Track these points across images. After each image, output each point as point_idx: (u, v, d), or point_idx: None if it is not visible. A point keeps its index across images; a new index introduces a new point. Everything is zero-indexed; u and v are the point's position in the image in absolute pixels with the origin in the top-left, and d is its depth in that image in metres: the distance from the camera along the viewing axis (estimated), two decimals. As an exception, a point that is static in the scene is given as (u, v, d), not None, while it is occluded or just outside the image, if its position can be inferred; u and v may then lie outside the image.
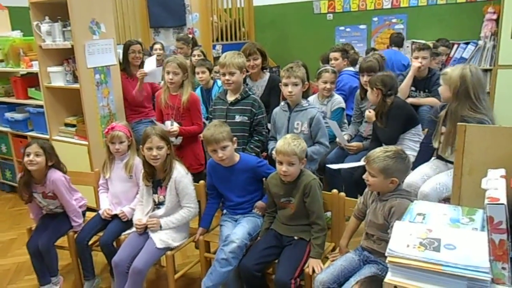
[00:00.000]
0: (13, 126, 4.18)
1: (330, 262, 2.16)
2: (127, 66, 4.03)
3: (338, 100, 3.39)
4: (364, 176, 2.01)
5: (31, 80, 4.00)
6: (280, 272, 2.11)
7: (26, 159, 2.55)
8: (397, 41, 4.98)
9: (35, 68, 3.81)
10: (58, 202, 2.69)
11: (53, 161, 2.65)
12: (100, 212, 2.70)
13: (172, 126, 2.98)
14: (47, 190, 2.63)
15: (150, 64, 3.18)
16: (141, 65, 4.02)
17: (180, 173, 2.48)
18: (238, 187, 2.47)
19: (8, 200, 4.32)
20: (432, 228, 1.53)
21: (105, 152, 2.77)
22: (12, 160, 4.33)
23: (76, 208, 2.71)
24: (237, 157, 2.48)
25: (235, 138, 2.45)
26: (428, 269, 1.36)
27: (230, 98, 2.86)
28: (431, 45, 4.18)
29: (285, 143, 2.19)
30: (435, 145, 2.53)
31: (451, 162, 2.44)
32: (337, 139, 3.19)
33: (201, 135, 3.32)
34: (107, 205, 2.70)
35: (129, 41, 4.18)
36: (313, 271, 2.09)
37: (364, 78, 3.22)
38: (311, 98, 3.45)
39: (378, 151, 1.97)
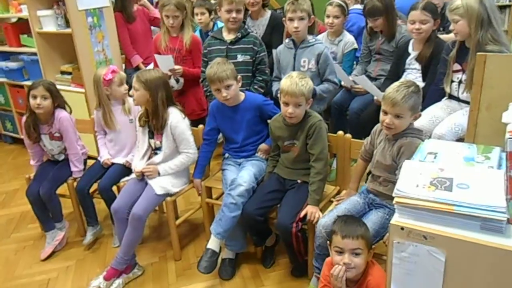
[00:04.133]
0: (8, 76, 4.06)
1: (334, 205, 2.08)
2: (124, 5, 3.69)
3: (351, 41, 3.15)
4: (387, 122, 1.78)
5: (23, 26, 3.82)
6: (282, 216, 2.04)
7: (32, 102, 2.47)
8: None
9: (24, 12, 3.62)
10: (63, 144, 2.63)
11: (59, 102, 2.58)
12: (100, 160, 2.64)
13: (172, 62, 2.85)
14: (54, 130, 2.58)
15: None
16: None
17: (175, 118, 2.36)
18: (244, 128, 2.36)
19: (10, 151, 4.28)
20: (444, 167, 1.42)
21: (97, 99, 2.60)
22: (11, 111, 4.24)
23: (79, 152, 2.65)
24: (242, 96, 2.36)
25: (239, 77, 2.31)
26: (438, 210, 1.26)
27: (229, 37, 2.68)
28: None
29: (292, 83, 2.02)
30: (446, 87, 2.35)
31: (466, 102, 2.29)
32: (343, 82, 3.01)
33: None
34: (106, 154, 2.64)
35: None
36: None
37: (370, 24, 2.99)
38: (320, 37, 3.23)
39: (400, 90, 1.75)
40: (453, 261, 1.26)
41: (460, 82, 2.28)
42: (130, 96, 2.48)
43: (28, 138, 2.60)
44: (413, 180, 1.37)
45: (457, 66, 2.27)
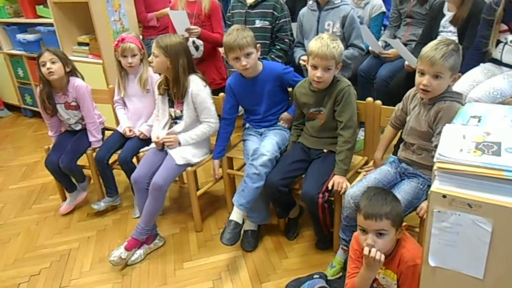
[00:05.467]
0: (26, 49, 4.03)
1: (362, 175, 1.97)
2: None
3: (379, 4, 2.97)
4: (424, 84, 1.63)
5: (38, -4, 3.75)
6: (307, 186, 1.95)
7: (43, 69, 2.42)
8: None
9: (39, -19, 3.55)
10: (79, 114, 2.59)
11: (70, 68, 2.52)
12: (120, 130, 2.59)
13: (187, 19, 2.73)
14: (70, 99, 2.54)
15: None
16: None
17: (197, 86, 2.26)
18: (265, 99, 2.25)
19: (30, 124, 4.30)
20: (491, 131, 1.30)
21: (116, 69, 2.57)
22: (30, 84, 4.23)
23: (96, 121, 2.62)
24: (260, 66, 2.22)
25: (259, 45, 2.17)
26: (486, 176, 1.15)
27: (250, 0, 2.53)
28: None
29: (323, 45, 1.88)
30: (492, 48, 2.16)
31: (508, 66, 2.12)
32: (370, 47, 2.84)
33: (221, 49, 3.08)
34: (127, 123, 2.58)
35: None
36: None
37: None
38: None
39: (439, 48, 1.59)
40: (500, 232, 1.16)
41: (505, 43, 2.09)
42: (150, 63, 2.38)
43: (45, 111, 2.57)
44: (456, 145, 1.26)
45: (503, 26, 2.08)
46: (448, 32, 2.49)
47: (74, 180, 2.67)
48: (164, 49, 2.18)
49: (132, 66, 2.47)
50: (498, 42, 2.12)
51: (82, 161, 2.64)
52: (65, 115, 2.59)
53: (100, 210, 2.62)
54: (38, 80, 2.55)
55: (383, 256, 1.43)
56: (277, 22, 2.53)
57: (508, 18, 2.05)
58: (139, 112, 2.57)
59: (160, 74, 2.35)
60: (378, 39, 2.95)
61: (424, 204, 1.69)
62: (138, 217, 2.32)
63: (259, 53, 2.18)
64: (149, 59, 2.30)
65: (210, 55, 2.94)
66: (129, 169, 2.42)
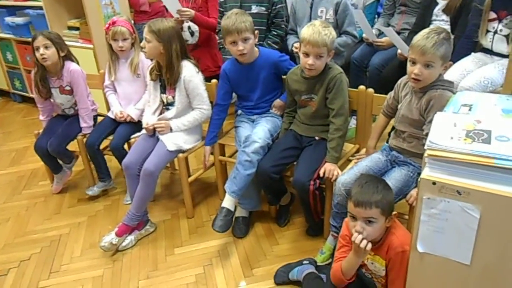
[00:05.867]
0: (15, 32, 3.96)
1: (354, 163, 1.98)
2: None
3: None
4: (415, 73, 1.63)
5: (27, -22, 3.67)
6: (299, 173, 1.95)
7: (37, 54, 2.39)
8: None
9: (28, -37, 3.46)
10: (73, 99, 2.56)
11: (65, 51, 2.48)
12: (112, 115, 2.56)
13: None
14: (64, 83, 2.50)
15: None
16: None
17: (189, 71, 2.24)
18: (259, 86, 2.23)
19: (20, 110, 4.24)
20: (481, 119, 1.31)
21: (107, 53, 2.54)
22: (19, 69, 4.16)
23: (89, 107, 2.59)
24: (256, 52, 2.20)
25: (257, 31, 2.15)
26: (477, 163, 1.16)
27: (245, -15, 2.51)
28: None
29: (315, 32, 1.87)
30: (482, 38, 2.17)
31: (499, 54, 2.13)
32: (364, 34, 2.83)
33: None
34: (119, 107, 2.56)
35: None
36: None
37: None
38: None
39: (430, 36, 1.60)
40: (488, 218, 1.17)
41: (495, 32, 2.10)
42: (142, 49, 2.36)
43: (39, 94, 2.53)
44: (447, 132, 1.26)
45: (492, 15, 2.08)
46: (440, 21, 2.49)
47: (61, 162, 2.66)
48: (156, 34, 2.14)
49: (123, 50, 2.44)
50: (487, 31, 2.13)
51: (73, 146, 2.62)
52: (59, 99, 2.56)
53: (94, 195, 2.61)
54: (33, 64, 2.52)
55: (369, 245, 1.44)
56: (273, 7, 2.52)
57: (497, 7, 2.06)
58: (129, 97, 2.55)
59: (151, 59, 2.32)
60: (372, 27, 2.94)
61: (414, 192, 1.70)
62: (129, 203, 2.33)
63: (256, 39, 2.16)
64: (141, 44, 2.27)
65: (206, 41, 2.91)
66: (120, 155, 2.40)
